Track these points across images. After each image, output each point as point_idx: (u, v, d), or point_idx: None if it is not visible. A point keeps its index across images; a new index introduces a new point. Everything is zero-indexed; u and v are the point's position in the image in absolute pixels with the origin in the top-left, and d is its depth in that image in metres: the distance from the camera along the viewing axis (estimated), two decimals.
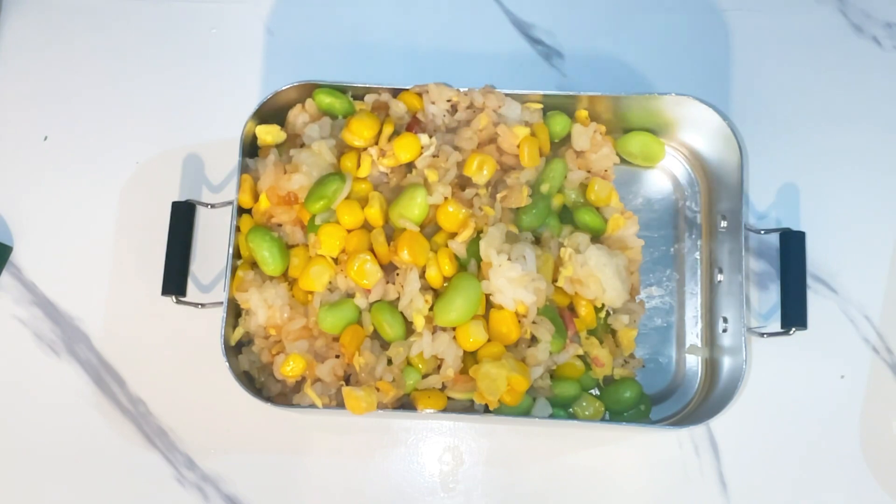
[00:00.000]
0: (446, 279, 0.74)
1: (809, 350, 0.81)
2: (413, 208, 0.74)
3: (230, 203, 0.78)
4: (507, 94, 0.79)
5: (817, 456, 0.80)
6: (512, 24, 0.90)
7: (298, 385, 0.75)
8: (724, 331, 0.78)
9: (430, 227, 0.76)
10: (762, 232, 0.81)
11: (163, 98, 0.89)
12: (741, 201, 0.76)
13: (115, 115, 0.89)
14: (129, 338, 0.84)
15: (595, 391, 0.78)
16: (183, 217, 0.80)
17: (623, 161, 0.84)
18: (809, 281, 0.81)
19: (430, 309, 0.73)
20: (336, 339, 0.74)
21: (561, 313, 0.75)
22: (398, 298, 0.74)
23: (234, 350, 0.77)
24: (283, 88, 0.79)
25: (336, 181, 0.74)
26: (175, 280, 0.79)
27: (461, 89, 0.79)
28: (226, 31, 0.91)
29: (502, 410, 0.73)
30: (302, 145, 0.79)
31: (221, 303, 0.75)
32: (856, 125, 0.87)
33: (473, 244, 0.74)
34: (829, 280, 0.83)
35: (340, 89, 0.80)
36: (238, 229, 0.77)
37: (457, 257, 0.74)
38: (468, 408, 0.75)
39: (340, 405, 0.72)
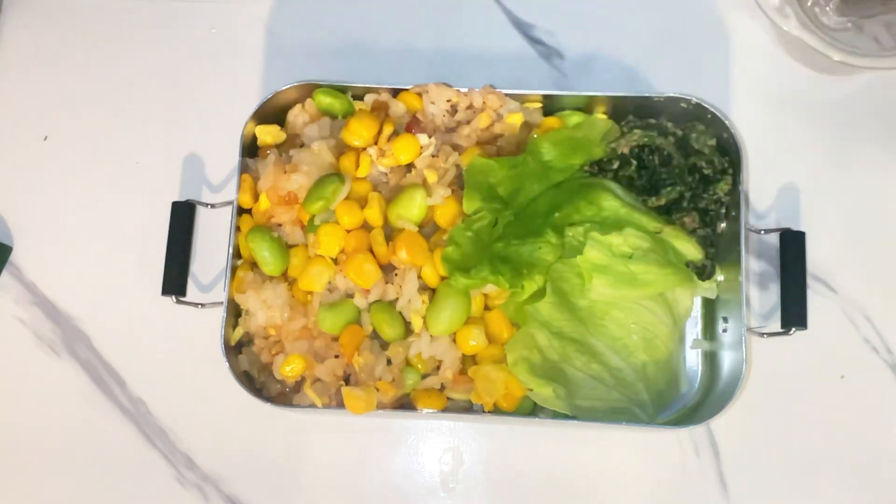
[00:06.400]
0: (443, 278, 0.74)
1: (809, 350, 0.81)
2: (412, 209, 0.74)
3: (230, 203, 0.78)
4: (507, 94, 0.79)
5: (817, 456, 0.80)
6: (512, 24, 0.90)
7: (298, 385, 0.76)
8: (724, 331, 0.78)
9: (428, 228, 0.76)
10: (762, 232, 0.81)
11: (163, 98, 0.89)
12: (741, 201, 0.76)
13: (115, 114, 0.89)
14: (129, 338, 0.84)
15: None
16: (183, 217, 0.80)
17: None
18: (809, 281, 0.81)
19: None
20: (335, 340, 0.74)
21: None
22: (397, 299, 0.74)
23: (234, 350, 0.77)
24: (283, 88, 0.79)
25: (335, 182, 0.74)
26: (175, 280, 0.79)
27: (461, 89, 0.79)
28: (226, 31, 0.91)
29: (502, 411, 0.74)
30: (302, 145, 0.79)
31: (221, 303, 0.75)
32: (856, 125, 0.87)
33: None
34: (829, 280, 0.83)
35: (340, 89, 0.80)
36: (238, 229, 0.77)
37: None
38: (468, 408, 0.75)
39: (340, 405, 0.72)
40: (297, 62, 0.90)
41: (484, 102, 0.79)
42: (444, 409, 0.73)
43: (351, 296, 0.75)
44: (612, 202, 0.74)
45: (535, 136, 0.77)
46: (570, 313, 0.72)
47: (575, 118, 0.81)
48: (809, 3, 0.81)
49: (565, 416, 0.73)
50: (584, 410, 0.72)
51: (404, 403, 0.75)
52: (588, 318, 0.72)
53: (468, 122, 0.79)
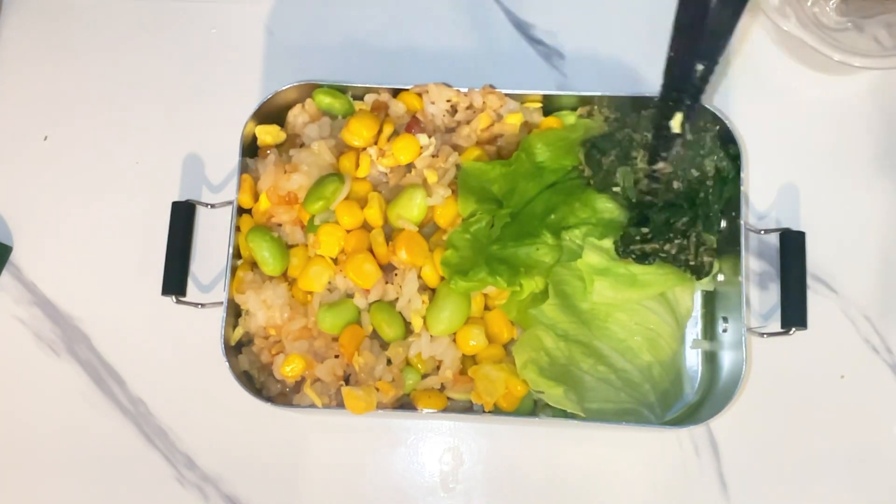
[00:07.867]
0: (443, 278, 0.74)
1: (809, 350, 0.81)
2: (412, 209, 0.74)
3: (230, 203, 0.78)
4: (507, 94, 0.79)
5: (817, 456, 0.80)
6: (512, 24, 0.90)
7: (298, 385, 0.76)
8: (724, 331, 0.78)
9: (428, 228, 0.76)
10: (762, 232, 0.81)
11: (163, 98, 0.89)
12: (741, 201, 0.76)
13: (115, 115, 0.89)
14: (129, 338, 0.84)
15: None
16: (183, 217, 0.80)
17: None
18: (809, 281, 0.81)
19: None
20: (335, 339, 0.74)
21: None
22: (397, 299, 0.74)
23: (234, 350, 0.77)
24: (283, 88, 0.79)
25: (335, 182, 0.74)
26: (175, 280, 0.79)
27: (461, 89, 0.79)
28: (226, 31, 0.91)
29: (502, 411, 0.74)
30: (302, 145, 0.79)
31: (221, 303, 0.75)
32: (856, 124, 0.87)
33: None
34: (829, 280, 0.83)
35: (340, 89, 0.80)
36: (238, 229, 0.77)
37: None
38: (468, 408, 0.75)
39: (340, 405, 0.72)
40: (297, 62, 0.90)
41: (484, 102, 0.79)
42: (444, 409, 0.73)
43: (351, 296, 0.75)
44: (607, 204, 0.74)
45: (529, 134, 0.78)
46: (574, 316, 0.72)
47: (572, 118, 0.81)
48: (809, 3, 0.81)
49: (565, 416, 0.73)
50: (593, 413, 0.73)
51: (404, 403, 0.75)
52: (591, 320, 0.72)
53: (468, 123, 0.79)
